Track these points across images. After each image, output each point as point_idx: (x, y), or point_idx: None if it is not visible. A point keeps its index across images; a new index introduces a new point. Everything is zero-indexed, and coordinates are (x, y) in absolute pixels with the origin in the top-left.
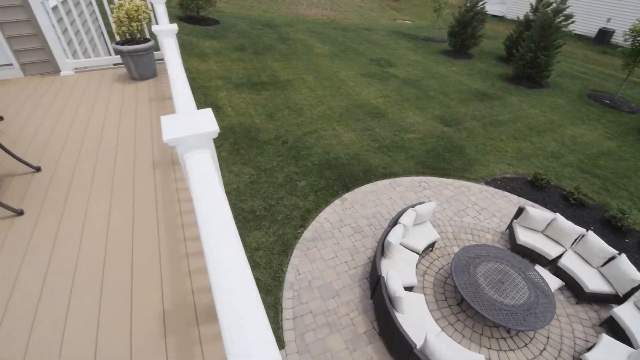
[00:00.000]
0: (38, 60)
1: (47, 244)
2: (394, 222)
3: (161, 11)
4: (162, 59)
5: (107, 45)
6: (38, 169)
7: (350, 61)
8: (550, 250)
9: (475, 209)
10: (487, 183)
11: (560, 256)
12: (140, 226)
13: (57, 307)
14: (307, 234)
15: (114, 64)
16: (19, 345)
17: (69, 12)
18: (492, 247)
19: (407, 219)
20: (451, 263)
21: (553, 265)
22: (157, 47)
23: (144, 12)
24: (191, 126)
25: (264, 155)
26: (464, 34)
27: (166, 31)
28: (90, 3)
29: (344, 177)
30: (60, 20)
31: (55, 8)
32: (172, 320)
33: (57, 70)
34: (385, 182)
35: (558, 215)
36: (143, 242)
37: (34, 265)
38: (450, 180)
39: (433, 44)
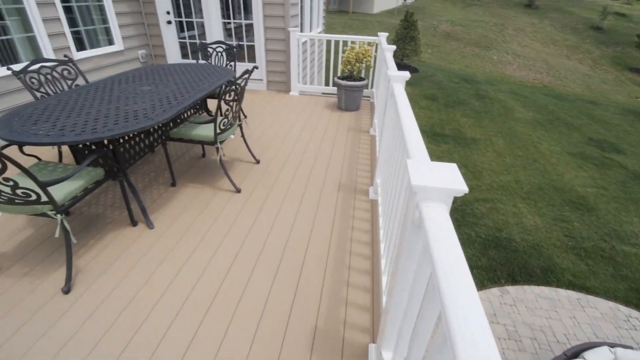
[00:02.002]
0: (278, 81)
1: (249, 221)
2: (575, 353)
3: (390, 57)
4: (367, 96)
5: (323, 77)
6: (258, 162)
7: (558, 134)
8: None
9: None
10: None
11: None
12: (316, 234)
13: (241, 275)
14: None
15: (322, 93)
16: (210, 292)
17: (312, 46)
18: None
19: (596, 358)
20: None
21: None
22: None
23: (369, 55)
24: (437, 178)
25: None
26: None
27: (399, 77)
28: (323, 43)
29: (513, 265)
30: (304, 52)
31: (304, 43)
32: (320, 342)
33: (288, 90)
34: (572, 294)
35: None
36: (315, 250)
37: (237, 234)
38: None
39: None
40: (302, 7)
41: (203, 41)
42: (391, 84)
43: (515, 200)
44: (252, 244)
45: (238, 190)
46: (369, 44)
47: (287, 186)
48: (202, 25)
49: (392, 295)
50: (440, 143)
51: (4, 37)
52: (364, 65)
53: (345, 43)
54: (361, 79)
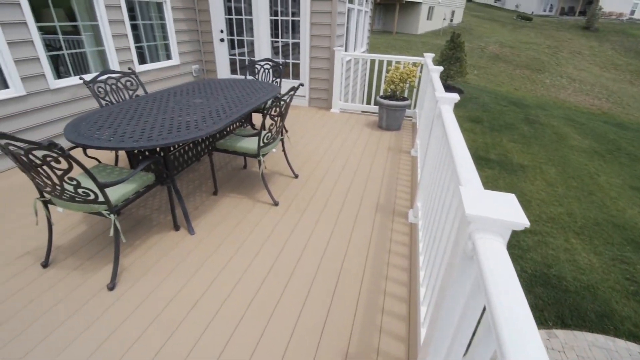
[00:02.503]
0: (320, 98)
1: (285, 235)
2: None
3: (436, 79)
4: (410, 117)
5: (365, 95)
6: (296, 176)
7: (619, 166)
8: None
9: None
10: None
11: None
12: (352, 253)
13: (275, 287)
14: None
15: (362, 111)
16: (244, 301)
17: (356, 65)
18: None
19: None
20: None
21: None
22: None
23: (413, 76)
24: (494, 209)
25: None
26: None
27: (447, 99)
28: (367, 62)
29: (563, 306)
30: (347, 70)
31: (348, 62)
32: None
33: (329, 107)
34: (633, 347)
35: None
36: (350, 270)
37: (273, 246)
38: None
39: None
40: (347, 27)
41: (252, 58)
42: (439, 105)
43: (568, 235)
44: (287, 257)
45: (276, 204)
46: (414, 64)
47: (323, 202)
48: (251, 44)
49: (435, 329)
50: (484, 168)
51: (78, 50)
52: (407, 85)
53: (389, 63)
54: (404, 99)
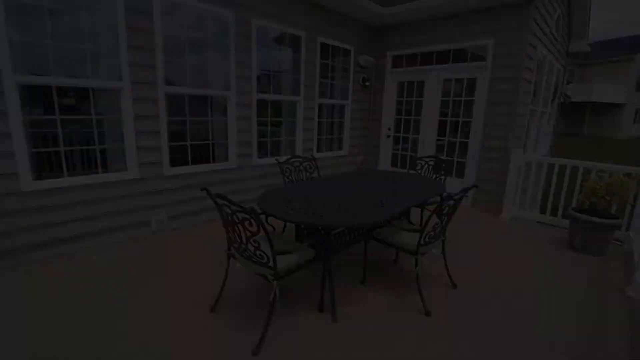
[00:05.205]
0: (486, 200)
1: (435, 356)
2: None
3: None
4: (619, 241)
5: (545, 205)
6: (454, 286)
7: None
8: None
9: None
10: None
11: None
12: None
13: None
14: None
15: (537, 221)
16: None
17: (539, 168)
18: None
19: None
20: None
21: None
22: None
23: (628, 189)
24: None
25: None
26: None
27: None
28: (553, 167)
29: None
30: (525, 172)
31: (527, 164)
32: None
33: (497, 212)
34: None
35: None
36: None
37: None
38: None
39: None
40: (527, 128)
41: (413, 154)
42: None
43: None
44: None
45: (427, 313)
46: (628, 175)
47: (488, 330)
48: (414, 140)
49: None
50: None
51: (277, 138)
52: (617, 199)
53: (588, 171)
54: (612, 217)
